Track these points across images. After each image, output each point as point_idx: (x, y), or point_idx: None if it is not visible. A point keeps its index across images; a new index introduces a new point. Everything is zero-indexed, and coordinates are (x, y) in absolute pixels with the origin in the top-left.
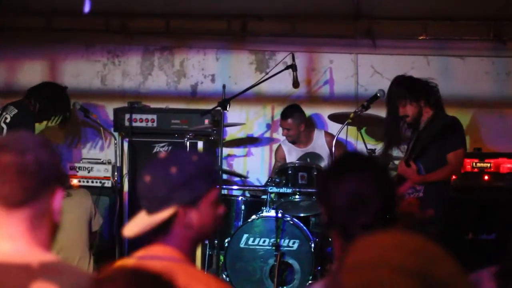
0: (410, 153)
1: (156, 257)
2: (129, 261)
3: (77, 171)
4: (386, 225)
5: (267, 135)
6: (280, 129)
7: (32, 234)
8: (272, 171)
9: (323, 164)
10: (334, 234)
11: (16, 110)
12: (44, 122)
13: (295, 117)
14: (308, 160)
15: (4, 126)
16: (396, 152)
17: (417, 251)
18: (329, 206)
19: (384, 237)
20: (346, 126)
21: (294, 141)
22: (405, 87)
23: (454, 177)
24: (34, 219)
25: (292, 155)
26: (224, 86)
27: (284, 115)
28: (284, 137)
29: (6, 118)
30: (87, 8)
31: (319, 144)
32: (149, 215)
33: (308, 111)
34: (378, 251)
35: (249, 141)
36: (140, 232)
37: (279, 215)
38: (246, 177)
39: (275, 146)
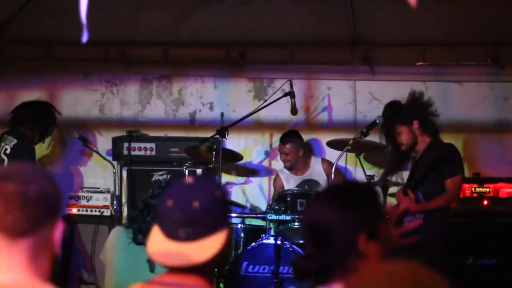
0: (408, 182)
1: (186, 286)
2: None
3: (77, 200)
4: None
5: (266, 162)
6: (279, 156)
7: (32, 265)
8: (272, 199)
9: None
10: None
11: (16, 140)
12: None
13: (294, 142)
14: (306, 187)
15: (5, 157)
16: (395, 179)
17: (408, 281)
18: (333, 241)
19: (380, 267)
20: (345, 153)
21: (291, 167)
22: (396, 113)
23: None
24: (34, 249)
25: (290, 183)
26: (222, 114)
27: (283, 140)
28: (281, 167)
29: (6, 149)
30: (85, 38)
31: (316, 171)
32: (185, 243)
33: (307, 137)
34: (371, 281)
35: (248, 168)
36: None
37: (279, 242)
38: (245, 207)
39: (273, 175)
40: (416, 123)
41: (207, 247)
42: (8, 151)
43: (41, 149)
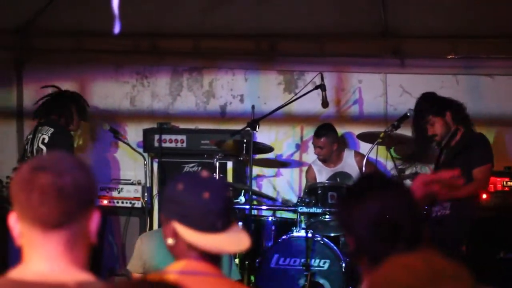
0: (435, 169)
1: (198, 273)
2: (168, 276)
3: (108, 192)
4: (417, 246)
5: (297, 155)
6: (310, 149)
7: (69, 254)
8: (303, 191)
9: None
10: (363, 261)
11: (52, 129)
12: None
13: (328, 136)
14: (338, 179)
15: (43, 147)
16: (424, 169)
17: (425, 272)
18: (355, 235)
19: (398, 259)
20: (376, 146)
21: (325, 160)
22: (430, 104)
23: (484, 196)
24: (71, 240)
25: (322, 174)
26: (253, 107)
27: (318, 134)
28: (314, 158)
29: (43, 139)
30: (117, 29)
31: (349, 164)
32: (223, 233)
33: (338, 130)
34: (394, 273)
35: (279, 161)
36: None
37: (309, 235)
38: (275, 199)
39: (304, 167)
40: (449, 114)
41: (242, 237)
42: (46, 140)
43: None
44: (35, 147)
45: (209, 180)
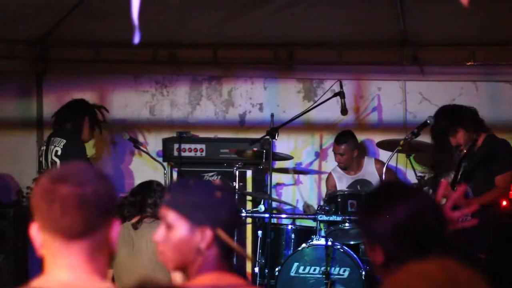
0: (457, 177)
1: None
2: None
3: None
4: (446, 252)
5: (316, 163)
6: (329, 157)
7: (90, 263)
8: (323, 199)
9: None
10: (382, 269)
11: (64, 140)
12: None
13: (349, 143)
14: (358, 187)
15: (56, 159)
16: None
17: (442, 279)
18: (383, 243)
19: (415, 265)
20: (395, 153)
21: (345, 167)
22: (450, 117)
23: (505, 202)
24: (92, 249)
25: (342, 182)
26: (272, 115)
27: (338, 141)
28: (335, 166)
29: (56, 151)
30: (136, 39)
31: (369, 171)
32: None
33: (357, 138)
34: (409, 279)
35: (298, 169)
36: None
37: (329, 243)
38: (295, 206)
39: (324, 175)
40: (468, 122)
41: None
42: (59, 153)
43: (87, 149)
44: (49, 159)
45: (210, 183)
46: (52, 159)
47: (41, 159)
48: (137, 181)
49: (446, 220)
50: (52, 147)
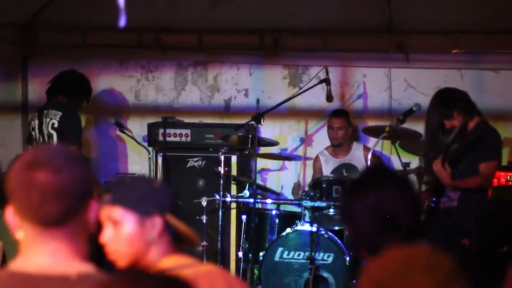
0: (446, 157)
1: (194, 265)
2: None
3: None
4: (417, 240)
5: (301, 149)
6: (314, 143)
7: (70, 247)
8: (311, 182)
9: None
10: (362, 251)
11: (60, 112)
12: None
13: (347, 119)
14: (344, 171)
15: (53, 132)
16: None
17: (422, 266)
18: (355, 227)
19: (398, 251)
20: (381, 140)
21: (339, 144)
22: (451, 104)
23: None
24: (72, 234)
25: (328, 165)
26: (258, 100)
27: (338, 113)
28: (322, 149)
29: (53, 124)
30: (122, 22)
31: (357, 157)
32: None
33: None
34: (372, 267)
35: (283, 155)
36: None
37: (314, 228)
38: (278, 194)
39: (309, 161)
40: (464, 106)
41: None
42: (56, 125)
43: None
44: (45, 132)
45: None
46: (48, 132)
47: (33, 133)
48: (122, 166)
49: (420, 209)
50: (48, 119)
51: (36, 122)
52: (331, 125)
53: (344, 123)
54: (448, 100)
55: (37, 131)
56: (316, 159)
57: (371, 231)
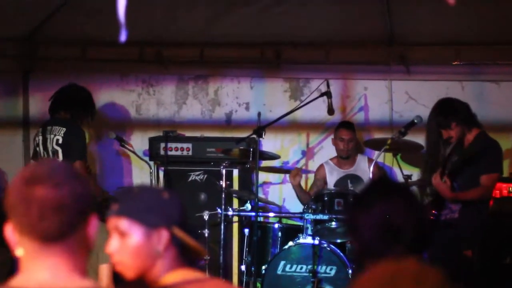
0: (446, 168)
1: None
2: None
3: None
4: (420, 251)
5: (303, 162)
6: (316, 156)
7: (70, 263)
8: (309, 189)
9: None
10: (366, 263)
11: (64, 128)
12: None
13: (354, 131)
14: (349, 182)
15: (58, 148)
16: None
17: (409, 279)
18: (359, 238)
19: (387, 265)
20: (382, 152)
21: (347, 157)
22: (449, 114)
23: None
24: (71, 250)
25: (333, 175)
26: (259, 114)
27: (347, 125)
28: (327, 159)
29: (57, 140)
30: (123, 37)
31: (362, 168)
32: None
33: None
34: (362, 279)
35: (285, 168)
36: None
37: (316, 241)
38: (280, 207)
39: (311, 174)
40: (463, 117)
41: None
42: (60, 141)
43: None
44: (50, 149)
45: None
46: (53, 148)
47: (37, 148)
48: (124, 180)
49: (425, 221)
50: (52, 136)
51: (40, 138)
52: (342, 136)
53: (353, 135)
54: (446, 110)
55: (41, 147)
56: (320, 168)
57: (375, 243)
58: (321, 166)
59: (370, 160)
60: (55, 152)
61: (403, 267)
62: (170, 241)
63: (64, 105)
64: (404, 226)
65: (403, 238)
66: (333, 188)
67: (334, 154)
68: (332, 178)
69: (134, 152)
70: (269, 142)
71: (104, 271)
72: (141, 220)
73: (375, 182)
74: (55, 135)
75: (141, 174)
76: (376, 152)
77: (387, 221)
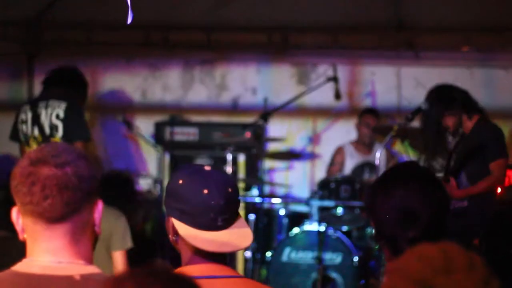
0: (449, 167)
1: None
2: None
3: None
4: (436, 237)
5: (309, 148)
6: (322, 141)
7: (74, 247)
8: (328, 173)
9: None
10: (383, 246)
11: (66, 103)
12: None
13: (379, 117)
14: (366, 170)
15: (59, 122)
16: (440, 164)
17: (440, 262)
18: (377, 220)
19: (415, 248)
20: (390, 139)
21: (371, 143)
22: (441, 101)
23: (499, 189)
24: (75, 232)
25: (353, 159)
26: (266, 99)
27: (374, 112)
28: (327, 150)
29: (58, 114)
30: (128, 19)
31: (378, 157)
32: (225, 230)
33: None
34: (408, 262)
35: (291, 154)
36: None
37: (322, 228)
38: (286, 191)
39: (318, 160)
40: (461, 105)
41: (245, 234)
42: (62, 116)
43: None
44: (47, 124)
45: (211, 175)
46: (51, 123)
47: (23, 126)
48: (129, 165)
49: (443, 206)
50: (50, 109)
51: (29, 115)
52: (368, 121)
53: (378, 122)
54: (439, 99)
55: (29, 124)
56: (339, 151)
57: (392, 226)
58: (340, 149)
59: (386, 149)
60: (53, 127)
61: (450, 250)
62: (175, 230)
63: (64, 83)
64: (421, 211)
65: (419, 223)
66: (339, 174)
67: (342, 139)
68: (351, 162)
69: (142, 136)
70: (275, 128)
71: (119, 258)
72: (163, 204)
73: (396, 166)
74: (54, 109)
75: (148, 158)
76: (384, 139)
77: (405, 205)
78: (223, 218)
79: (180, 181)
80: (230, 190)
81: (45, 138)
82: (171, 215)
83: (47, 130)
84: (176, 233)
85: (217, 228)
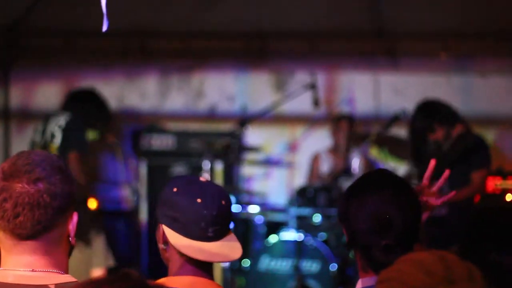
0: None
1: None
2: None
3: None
4: (409, 244)
5: (287, 156)
6: (301, 149)
7: (49, 258)
8: (309, 181)
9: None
10: (356, 254)
11: (70, 114)
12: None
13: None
14: (341, 177)
15: (59, 131)
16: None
17: (440, 271)
18: (350, 227)
19: (412, 256)
20: (368, 146)
21: (346, 150)
22: (428, 116)
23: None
24: (49, 246)
25: (327, 167)
26: (243, 107)
27: (349, 117)
28: (305, 158)
29: (60, 124)
30: (105, 27)
31: (354, 163)
32: (215, 242)
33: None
34: (407, 270)
35: (269, 162)
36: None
37: (300, 236)
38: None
39: (296, 169)
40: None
41: (234, 247)
42: (63, 125)
43: None
44: (48, 133)
45: (206, 185)
46: (52, 132)
47: (36, 140)
48: (106, 173)
49: (417, 213)
50: (54, 121)
51: (40, 129)
52: (343, 129)
53: (353, 129)
54: (428, 115)
55: (39, 132)
56: (317, 158)
57: (365, 234)
58: (317, 156)
59: (361, 156)
60: (53, 135)
61: (449, 259)
62: (166, 239)
63: (78, 100)
64: (395, 218)
65: (393, 230)
66: (317, 183)
67: (320, 147)
68: (327, 169)
69: (117, 145)
70: (254, 136)
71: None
72: (154, 212)
73: (369, 173)
74: (59, 119)
75: (123, 166)
76: (362, 146)
77: (378, 213)
78: (214, 229)
79: (175, 189)
80: (223, 202)
81: (43, 145)
82: (163, 222)
83: (47, 137)
84: (166, 241)
85: (208, 239)
